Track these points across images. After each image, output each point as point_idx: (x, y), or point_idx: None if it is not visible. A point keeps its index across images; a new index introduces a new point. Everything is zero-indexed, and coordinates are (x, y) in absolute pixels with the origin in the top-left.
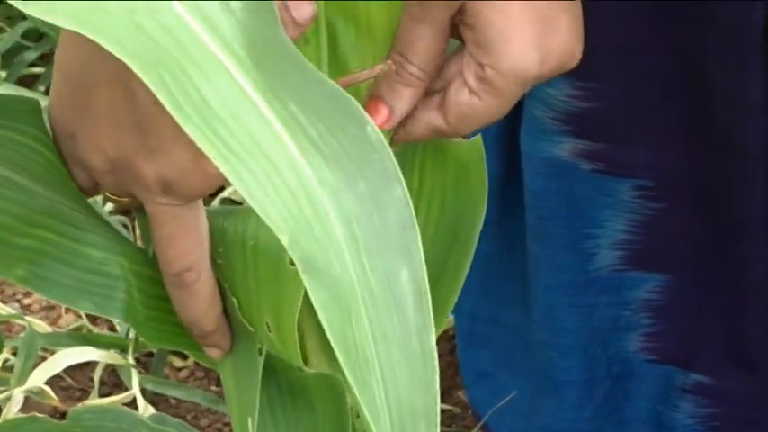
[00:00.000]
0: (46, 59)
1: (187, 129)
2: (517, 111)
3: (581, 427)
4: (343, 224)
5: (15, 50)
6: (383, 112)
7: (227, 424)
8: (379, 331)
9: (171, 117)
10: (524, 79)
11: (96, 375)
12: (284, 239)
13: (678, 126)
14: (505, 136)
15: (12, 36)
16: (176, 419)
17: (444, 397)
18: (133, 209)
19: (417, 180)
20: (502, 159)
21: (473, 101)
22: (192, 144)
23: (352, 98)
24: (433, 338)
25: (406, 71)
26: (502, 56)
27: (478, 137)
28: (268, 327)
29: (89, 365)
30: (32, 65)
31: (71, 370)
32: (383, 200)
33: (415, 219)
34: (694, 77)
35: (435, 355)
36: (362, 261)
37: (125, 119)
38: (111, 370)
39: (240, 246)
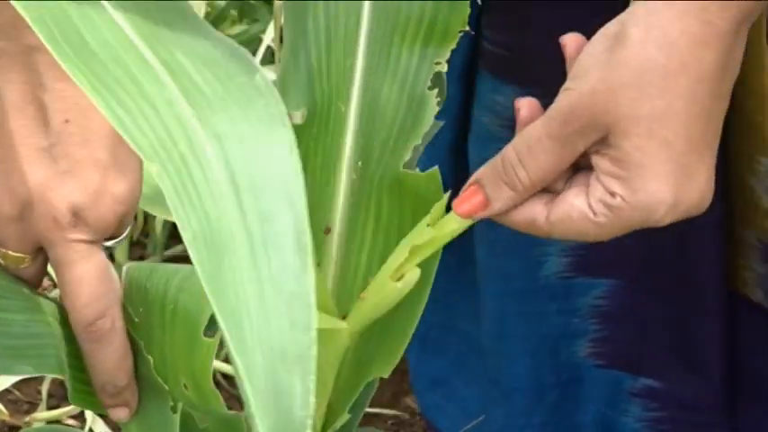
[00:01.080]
0: None
1: (62, 63)
2: (465, 121)
3: None
4: (223, 163)
5: None
6: (479, 200)
7: None
8: (254, 271)
9: (80, 135)
10: (649, 217)
11: (44, 389)
12: (153, 168)
13: None
14: (458, 145)
15: None
16: None
17: (392, 403)
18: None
19: (374, 213)
20: (454, 169)
21: (587, 216)
22: (101, 166)
23: (244, 49)
24: (311, 281)
25: (516, 174)
26: (638, 191)
27: (436, 168)
28: (185, 386)
29: (37, 379)
30: None
31: (19, 384)
32: (267, 144)
33: (299, 164)
34: None
35: (313, 299)
36: (241, 200)
37: (36, 145)
38: (60, 383)
39: (160, 307)
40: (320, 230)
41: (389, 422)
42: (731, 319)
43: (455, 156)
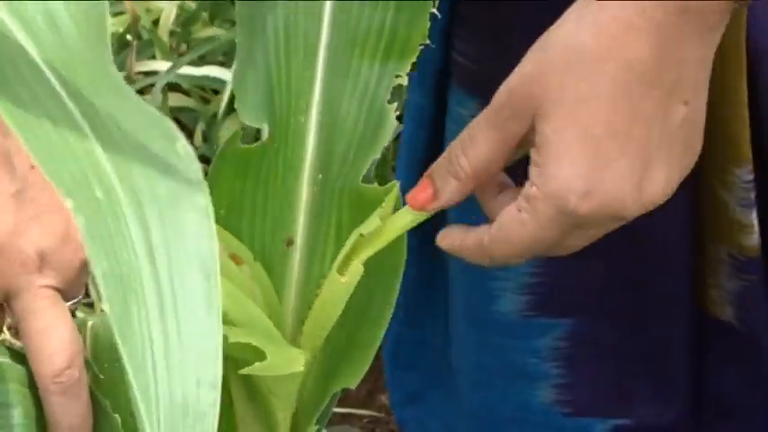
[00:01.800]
0: None
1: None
2: (438, 136)
3: None
4: (137, 219)
5: None
6: (429, 191)
7: None
8: (162, 325)
9: (45, 181)
10: (562, 207)
11: None
12: (68, 203)
13: None
14: (428, 159)
15: None
16: None
17: (366, 402)
18: None
19: (335, 225)
20: None
21: (513, 215)
22: (65, 211)
23: (167, 118)
24: (220, 341)
25: (458, 163)
26: (548, 177)
27: (394, 182)
28: None
29: None
30: None
31: None
32: (183, 206)
33: (214, 228)
34: None
35: (220, 362)
36: (153, 256)
37: (2, 191)
38: None
39: None
40: (282, 242)
41: (365, 420)
42: (700, 338)
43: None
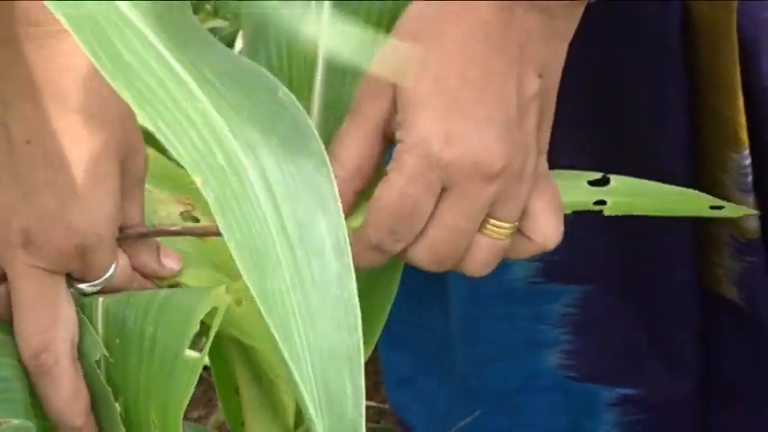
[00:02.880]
0: None
1: (105, 74)
2: None
3: None
4: (258, 173)
5: None
6: None
7: None
8: (298, 278)
9: (41, 158)
10: (426, 152)
11: None
12: (198, 180)
13: (595, 138)
14: None
15: None
16: None
17: (371, 394)
18: None
19: None
20: None
21: (383, 180)
22: (60, 192)
23: (263, 68)
24: (354, 284)
25: (334, 172)
26: (410, 128)
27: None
28: (154, 424)
29: None
30: None
31: None
32: (298, 154)
33: (332, 172)
34: (612, 84)
35: (356, 301)
36: (279, 210)
37: (2, 165)
38: None
39: (138, 335)
40: None
41: (370, 412)
42: (706, 317)
43: None
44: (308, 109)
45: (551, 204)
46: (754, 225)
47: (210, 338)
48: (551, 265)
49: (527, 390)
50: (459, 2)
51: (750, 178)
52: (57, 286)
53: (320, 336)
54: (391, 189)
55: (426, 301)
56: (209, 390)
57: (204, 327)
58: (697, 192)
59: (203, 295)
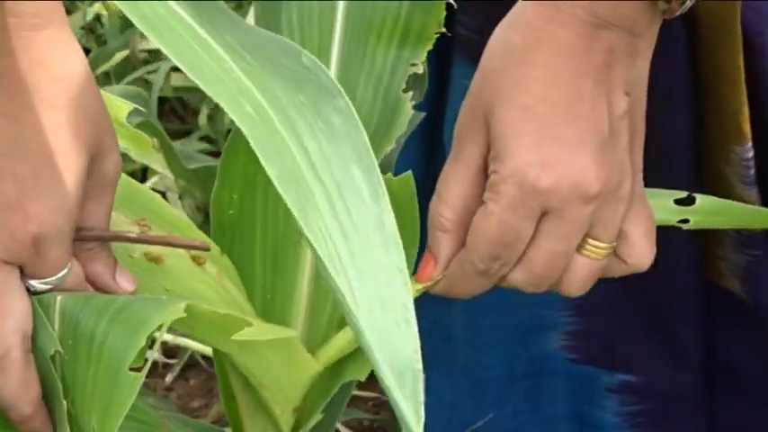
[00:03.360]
0: None
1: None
2: (440, 107)
3: (502, 423)
4: (288, 129)
5: None
6: (429, 260)
7: None
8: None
9: (5, 146)
10: (522, 181)
11: None
12: (233, 116)
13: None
14: (429, 130)
15: None
16: None
17: (371, 384)
18: None
19: None
20: (424, 152)
21: (480, 211)
22: (21, 180)
23: (282, 37)
24: (394, 224)
25: (439, 214)
26: (503, 159)
27: (409, 173)
28: (93, 430)
29: None
30: None
31: None
32: (325, 110)
33: (360, 125)
34: None
35: (399, 241)
36: (313, 163)
37: None
38: None
39: (89, 339)
40: (295, 231)
41: (370, 403)
42: (708, 309)
43: (425, 140)
44: None
45: (646, 228)
46: None
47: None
48: None
49: (531, 375)
50: (542, 28)
51: (753, 171)
52: (8, 277)
53: (367, 279)
54: (491, 219)
55: (427, 292)
56: (210, 379)
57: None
58: None
59: (161, 307)
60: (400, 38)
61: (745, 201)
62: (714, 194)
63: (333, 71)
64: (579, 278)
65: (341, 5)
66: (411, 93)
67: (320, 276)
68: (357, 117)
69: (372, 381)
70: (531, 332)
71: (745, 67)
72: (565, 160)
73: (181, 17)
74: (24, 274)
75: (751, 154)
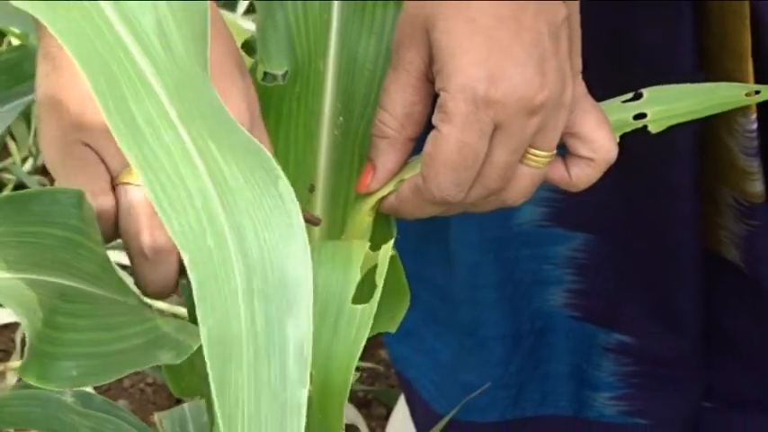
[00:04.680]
0: None
1: (114, 133)
2: None
3: (507, 381)
4: (243, 263)
5: None
6: (368, 169)
7: (150, 384)
8: (254, 376)
9: None
10: (473, 96)
11: (18, 337)
12: (185, 258)
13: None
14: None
15: None
16: (101, 398)
17: (366, 355)
18: None
19: (357, 169)
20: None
21: (432, 136)
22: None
23: (266, 151)
24: (305, 394)
25: (380, 121)
26: (450, 75)
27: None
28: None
29: (9, 327)
30: None
31: None
32: (284, 253)
33: (310, 276)
34: (625, 51)
35: (304, 410)
36: (254, 306)
37: None
38: None
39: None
40: (305, 188)
41: (364, 374)
42: (706, 276)
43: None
44: (324, 68)
45: (597, 119)
46: (758, 189)
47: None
48: (558, 211)
49: (534, 332)
50: None
51: (756, 143)
52: None
53: None
54: (448, 141)
55: (427, 253)
56: None
57: None
58: (729, 83)
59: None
60: None
61: (746, 171)
62: (716, 163)
63: (334, 29)
64: (523, 187)
65: None
66: None
67: (329, 235)
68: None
69: (366, 351)
70: (534, 287)
71: (751, 39)
72: (511, 72)
73: (169, 119)
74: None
75: (755, 125)
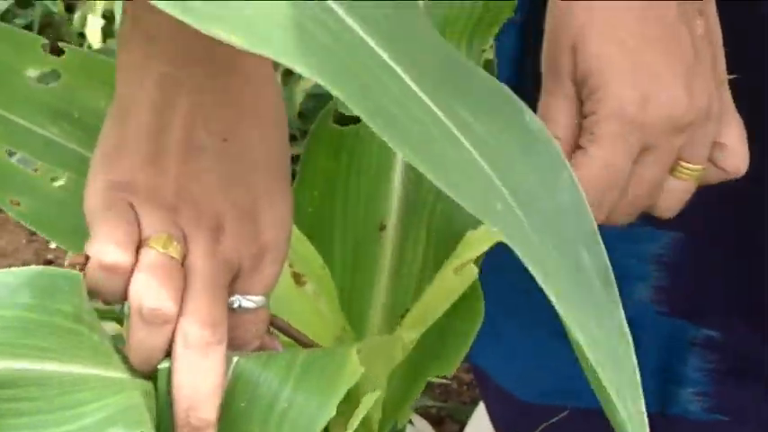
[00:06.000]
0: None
1: (383, 135)
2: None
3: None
4: (524, 211)
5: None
6: None
7: None
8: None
9: (237, 156)
10: (624, 119)
11: None
12: (486, 223)
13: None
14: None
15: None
16: None
17: None
18: None
19: (429, 210)
20: None
21: (579, 156)
22: (253, 188)
23: (509, 90)
24: (622, 313)
25: None
26: (601, 98)
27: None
28: None
29: None
30: None
31: None
32: (553, 185)
33: (586, 201)
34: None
35: (627, 329)
36: (546, 244)
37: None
38: None
39: (267, 406)
40: (375, 227)
41: (437, 391)
42: None
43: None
44: None
45: (739, 133)
46: None
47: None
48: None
49: None
50: None
51: None
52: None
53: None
54: (594, 162)
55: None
56: None
57: None
58: None
59: (341, 366)
60: (472, 28)
61: None
62: None
63: None
64: (673, 201)
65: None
66: None
67: (399, 274)
68: (581, 191)
69: None
70: (622, 282)
71: None
72: (660, 94)
73: (418, 98)
74: (230, 290)
75: None
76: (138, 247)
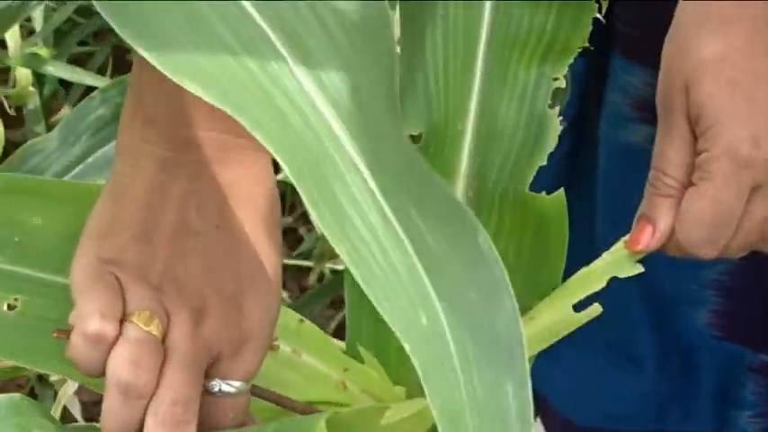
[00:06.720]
0: (99, 38)
1: (321, 226)
2: (593, 97)
3: (659, 399)
4: (455, 337)
5: (66, 27)
6: (647, 229)
7: None
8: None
9: (228, 244)
10: (737, 158)
11: None
12: (407, 347)
13: None
14: (577, 117)
15: (63, 12)
16: None
17: None
18: None
19: (492, 233)
20: (572, 141)
21: (690, 191)
22: (240, 277)
23: (467, 207)
24: None
25: (662, 182)
26: (714, 137)
27: (561, 191)
28: None
29: None
30: (84, 43)
31: None
32: (493, 311)
33: (523, 333)
34: None
35: None
36: (471, 373)
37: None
38: None
39: None
40: None
41: None
42: None
43: (574, 129)
44: (463, 129)
45: None
46: None
47: None
48: None
49: (681, 351)
50: (735, 2)
51: None
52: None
53: None
54: (704, 199)
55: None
56: None
57: None
58: None
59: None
60: (543, 53)
61: None
62: None
63: (476, 89)
64: None
65: (486, 22)
66: (557, 108)
67: None
68: (521, 321)
69: None
70: (679, 307)
71: None
72: None
73: (373, 194)
74: (211, 373)
75: None
76: (122, 321)
